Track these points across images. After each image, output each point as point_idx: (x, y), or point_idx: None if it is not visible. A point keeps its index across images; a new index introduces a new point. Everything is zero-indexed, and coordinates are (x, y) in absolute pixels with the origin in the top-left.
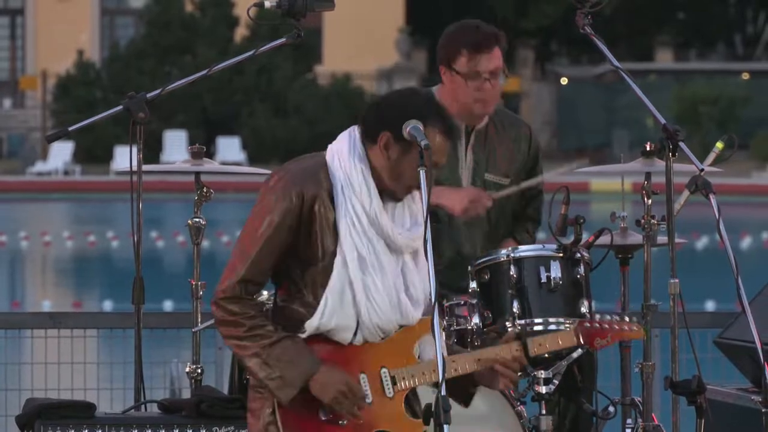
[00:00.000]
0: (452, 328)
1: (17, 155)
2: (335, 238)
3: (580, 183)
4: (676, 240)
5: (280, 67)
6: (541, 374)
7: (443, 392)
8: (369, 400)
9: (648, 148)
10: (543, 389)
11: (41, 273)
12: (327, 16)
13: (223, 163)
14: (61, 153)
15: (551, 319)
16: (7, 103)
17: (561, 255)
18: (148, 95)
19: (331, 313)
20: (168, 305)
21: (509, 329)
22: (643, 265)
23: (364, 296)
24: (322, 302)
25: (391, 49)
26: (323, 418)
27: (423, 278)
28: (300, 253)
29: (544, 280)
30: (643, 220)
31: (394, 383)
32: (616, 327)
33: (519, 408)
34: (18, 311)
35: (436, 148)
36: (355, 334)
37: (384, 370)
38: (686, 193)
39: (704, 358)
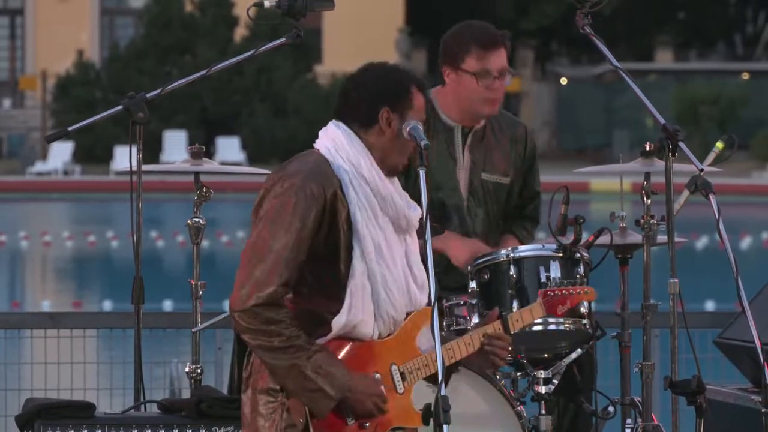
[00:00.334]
0: (452, 328)
1: (17, 155)
2: (350, 232)
3: (579, 183)
4: (676, 240)
5: (279, 67)
6: (541, 374)
7: (443, 392)
8: None
9: (647, 148)
10: (542, 389)
11: (41, 273)
12: (327, 16)
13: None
14: (61, 153)
15: (551, 319)
16: (7, 103)
17: (561, 255)
18: (148, 95)
19: (358, 307)
20: (168, 305)
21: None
22: (643, 265)
23: (382, 288)
24: (347, 298)
25: (390, 49)
26: (349, 424)
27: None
28: (318, 251)
29: (543, 280)
30: (642, 220)
31: (404, 379)
32: (572, 292)
33: (518, 408)
34: (18, 311)
35: (421, 106)
36: (374, 328)
37: (394, 366)
38: (686, 193)
39: (704, 358)
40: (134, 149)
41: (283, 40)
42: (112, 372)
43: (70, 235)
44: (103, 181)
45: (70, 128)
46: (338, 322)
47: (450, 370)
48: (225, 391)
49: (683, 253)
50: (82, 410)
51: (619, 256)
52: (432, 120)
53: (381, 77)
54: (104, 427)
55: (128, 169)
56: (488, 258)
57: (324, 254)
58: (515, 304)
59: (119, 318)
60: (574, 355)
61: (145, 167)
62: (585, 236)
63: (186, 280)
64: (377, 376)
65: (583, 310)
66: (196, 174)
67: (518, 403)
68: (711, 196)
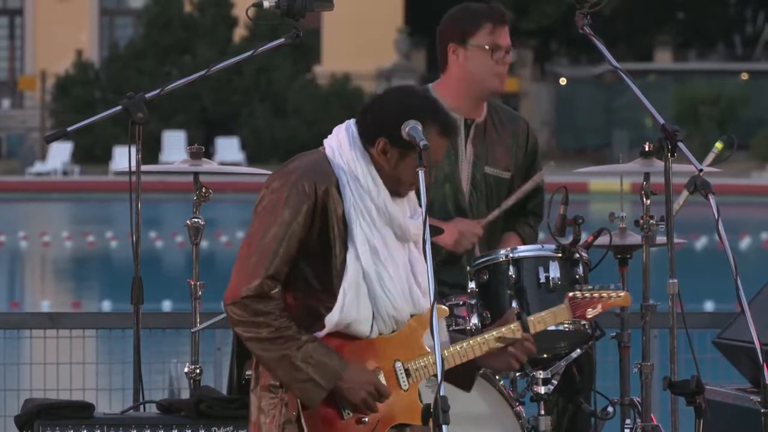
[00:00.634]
0: (451, 328)
1: (16, 155)
2: (345, 231)
3: (579, 183)
4: (675, 240)
5: (279, 67)
6: (540, 374)
7: (442, 392)
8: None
9: (647, 149)
10: (542, 389)
11: (40, 273)
12: (326, 16)
13: (222, 164)
14: (60, 153)
15: None
16: (6, 103)
17: (560, 255)
18: (147, 95)
19: (350, 306)
20: (167, 305)
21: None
22: (642, 265)
23: (379, 288)
24: (340, 296)
25: (390, 50)
26: (346, 417)
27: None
28: (311, 248)
29: (542, 280)
30: (642, 221)
31: (408, 375)
32: (605, 295)
33: (518, 408)
34: (17, 311)
35: (434, 147)
36: (371, 326)
37: (398, 363)
38: (685, 193)
39: (703, 358)
40: (133, 149)
41: (282, 40)
42: (111, 372)
43: (69, 236)
44: (103, 182)
45: (69, 128)
46: (330, 320)
47: (470, 371)
48: (224, 391)
49: (682, 253)
50: (82, 410)
51: (619, 256)
52: None
53: (393, 105)
54: (103, 428)
55: (127, 170)
56: (487, 258)
57: (318, 251)
58: (514, 304)
59: (118, 318)
60: (573, 356)
61: (144, 167)
62: (584, 236)
63: (185, 280)
64: (380, 372)
65: None
66: (196, 174)
67: (517, 404)
68: (710, 197)
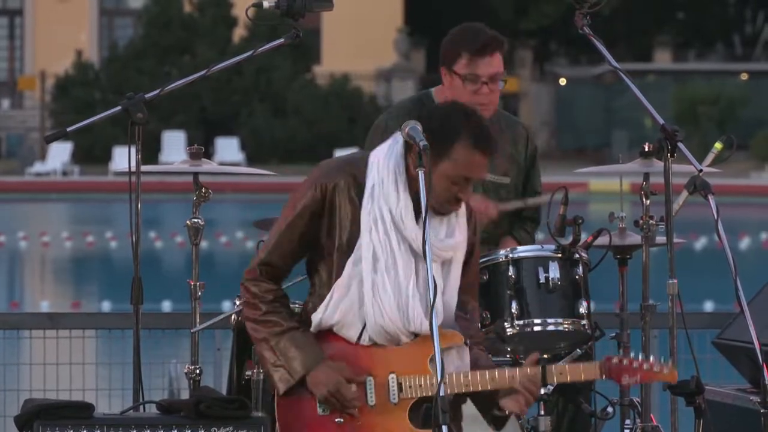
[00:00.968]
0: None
1: (16, 156)
2: (355, 233)
3: (578, 183)
4: (675, 240)
5: (278, 67)
6: None
7: (441, 392)
8: (372, 402)
9: (647, 149)
10: (541, 390)
11: (40, 273)
12: (325, 17)
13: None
14: (60, 153)
15: (550, 320)
16: (6, 103)
17: (559, 255)
18: (147, 96)
19: (334, 307)
20: (167, 306)
21: (530, 355)
22: (642, 265)
23: (371, 295)
24: (328, 296)
25: (389, 50)
26: (321, 413)
27: (450, 291)
28: (321, 244)
29: (542, 280)
30: (641, 221)
31: (400, 390)
32: (648, 367)
33: None
34: (16, 311)
35: (470, 162)
36: (362, 334)
37: (392, 375)
38: (685, 193)
39: (703, 358)
40: (133, 150)
41: (282, 40)
42: (111, 372)
43: (69, 236)
44: (102, 182)
45: (69, 129)
46: (314, 319)
47: (489, 408)
48: (224, 391)
49: (682, 253)
50: (81, 411)
51: (618, 256)
52: None
53: (439, 115)
54: (103, 428)
55: (127, 170)
56: (487, 258)
57: (327, 247)
58: (514, 305)
59: (118, 318)
60: (573, 356)
61: (143, 168)
62: (584, 237)
63: (185, 280)
64: (369, 378)
65: (582, 310)
66: (195, 174)
67: None
68: (710, 197)
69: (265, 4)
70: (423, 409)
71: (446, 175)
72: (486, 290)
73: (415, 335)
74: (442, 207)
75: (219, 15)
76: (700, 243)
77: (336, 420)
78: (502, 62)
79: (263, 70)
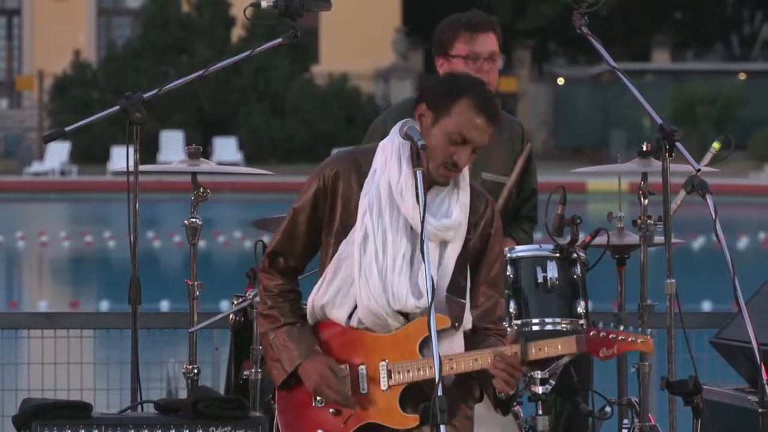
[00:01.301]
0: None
1: (14, 155)
2: (352, 217)
3: (576, 183)
4: (673, 240)
5: (277, 67)
6: (538, 374)
7: (440, 392)
8: (364, 390)
9: (645, 149)
10: (539, 389)
11: (38, 273)
12: (324, 16)
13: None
14: (58, 153)
15: (548, 320)
16: (4, 103)
17: (557, 255)
18: (145, 95)
19: (326, 287)
20: (164, 305)
21: (508, 330)
22: (640, 265)
23: (359, 275)
24: (321, 277)
25: (387, 49)
26: (314, 405)
27: (443, 272)
28: (326, 232)
29: (540, 280)
30: (639, 220)
31: (389, 377)
32: (623, 337)
33: (515, 408)
34: (15, 311)
35: (470, 122)
36: (350, 315)
37: (383, 362)
38: (683, 193)
39: (701, 358)
40: (131, 149)
41: (280, 40)
42: (109, 372)
43: (67, 236)
44: (100, 182)
45: (67, 128)
46: (309, 301)
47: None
48: (222, 391)
49: (680, 253)
50: (79, 410)
51: (616, 256)
52: None
53: (446, 76)
54: (101, 428)
55: (125, 170)
56: None
57: (329, 234)
58: (512, 305)
59: (116, 318)
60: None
61: (142, 167)
62: (582, 236)
63: (183, 280)
64: (362, 366)
65: (580, 310)
66: (193, 174)
67: (515, 404)
68: (708, 197)
69: (263, 4)
70: (422, 408)
71: (445, 131)
72: None
73: (405, 318)
74: (438, 171)
75: (217, 15)
76: (698, 243)
77: (330, 411)
78: (497, 43)
79: (261, 70)
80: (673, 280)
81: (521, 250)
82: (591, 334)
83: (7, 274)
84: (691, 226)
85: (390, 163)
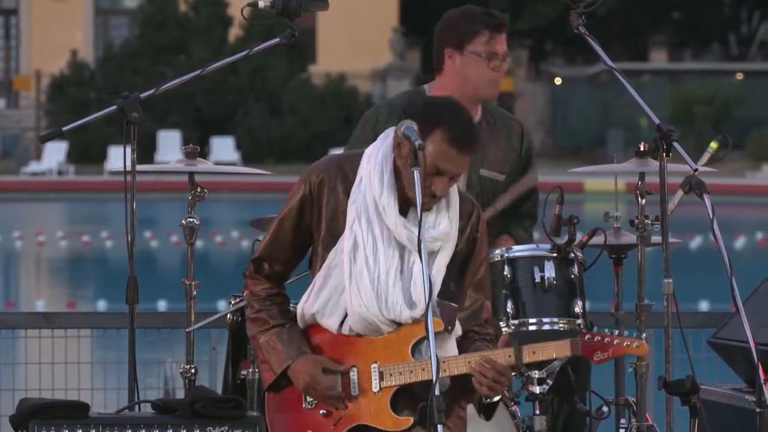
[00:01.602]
0: None
1: (11, 155)
2: (340, 225)
3: (574, 183)
4: (670, 240)
5: (274, 67)
6: (535, 374)
7: (437, 392)
8: (355, 393)
9: (642, 148)
10: (537, 389)
11: (35, 273)
12: (321, 16)
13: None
14: (55, 153)
15: (545, 319)
16: (1, 103)
17: (555, 255)
18: (142, 95)
19: (315, 296)
20: (162, 305)
21: (503, 332)
22: (637, 265)
23: (349, 284)
24: (310, 285)
25: (385, 49)
26: (305, 407)
27: (434, 280)
28: (313, 240)
29: (538, 280)
30: (636, 220)
31: (381, 379)
32: (618, 342)
33: (513, 408)
34: (12, 311)
35: (443, 154)
36: (341, 323)
37: (374, 365)
38: (680, 193)
39: (698, 358)
40: (128, 149)
41: (277, 40)
42: (106, 372)
43: (64, 235)
44: (98, 181)
45: (64, 128)
46: (298, 309)
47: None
48: (219, 391)
49: (677, 253)
50: (77, 410)
51: (614, 256)
52: None
53: (428, 102)
54: (98, 427)
55: (122, 169)
56: None
57: (317, 241)
58: (509, 304)
59: (113, 318)
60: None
61: (139, 167)
62: (579, 236)
63: (180, 280)
64: (354, 369)
65: (578, 310)
66: (191, 174)
67: (512, 403)
68: (705, 196)
69: (261, 4)
70: (419, 408)
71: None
72: None
73: (397, 324)
74: (424, 198)
75: (214, 14)
76: (696, 242)
77: (320, 412)
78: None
79: (259, 70)
80: (671, 280)
81: (518, 250)
82: (586, 338)
83: (5, 273)
84: (689, 226)
85: (372, 178)
